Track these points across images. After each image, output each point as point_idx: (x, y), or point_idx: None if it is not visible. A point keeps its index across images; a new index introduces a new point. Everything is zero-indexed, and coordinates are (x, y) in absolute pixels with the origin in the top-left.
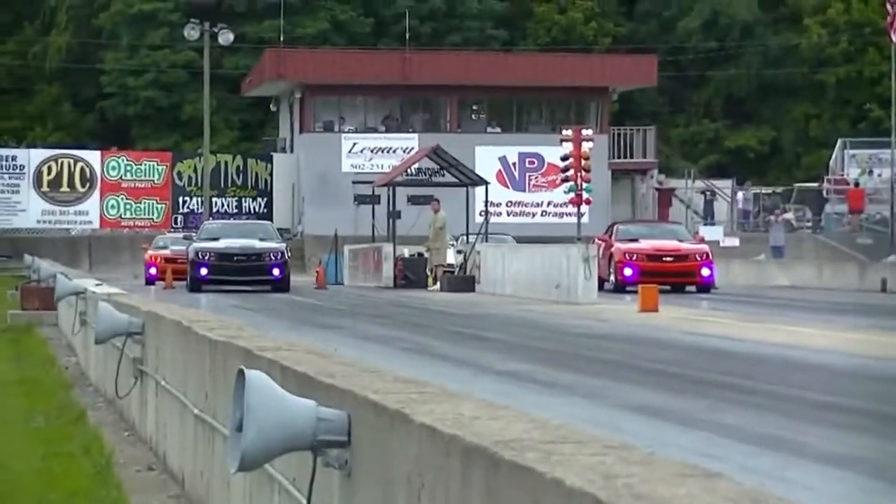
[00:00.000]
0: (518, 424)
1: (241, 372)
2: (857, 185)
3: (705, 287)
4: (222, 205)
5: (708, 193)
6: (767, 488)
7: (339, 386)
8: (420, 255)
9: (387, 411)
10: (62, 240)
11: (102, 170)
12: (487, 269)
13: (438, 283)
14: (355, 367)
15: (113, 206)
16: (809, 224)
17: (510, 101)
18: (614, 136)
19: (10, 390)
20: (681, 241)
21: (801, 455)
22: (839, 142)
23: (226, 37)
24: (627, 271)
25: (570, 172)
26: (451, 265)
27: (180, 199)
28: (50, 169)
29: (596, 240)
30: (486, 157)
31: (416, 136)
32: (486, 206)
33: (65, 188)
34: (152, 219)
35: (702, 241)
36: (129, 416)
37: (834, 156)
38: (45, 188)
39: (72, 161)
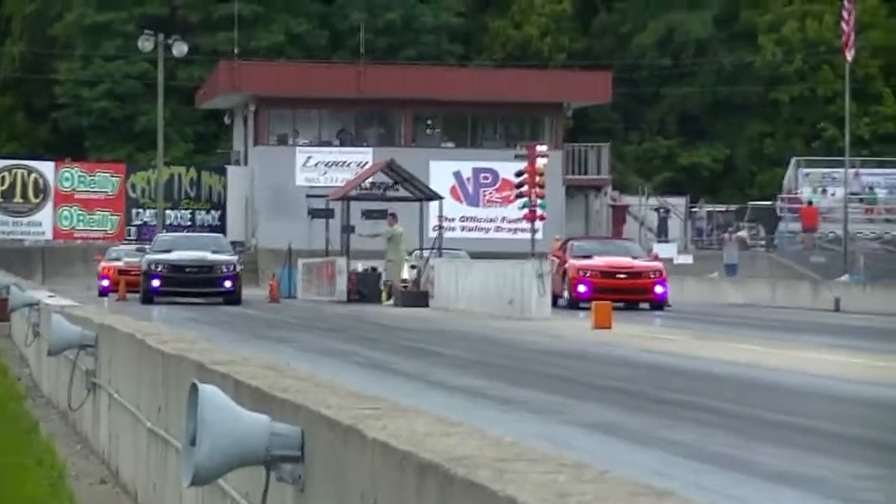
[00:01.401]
0: (471, 441)
1: (194, 386)
2: (810, 203)
3: (659, 304)
4: (176, 217)
5: (662, 210)
6: None
7: (292, 401)
8: (374, 269)
9: (340, 427)
10: (15, 251)
11: (56, 181)
12: (441, 285)
13: (392, 298)
14: (309, 381)
15: (66, 218)
16: (763, 242)
17: (465, 116)
18: (568, 152)
19: None
20: (634, 257)
21: (752, 474)
22: (793, 160)
23: (180, 48)
24: (581, 287)
25: (525, 188)
26: (405, 280)
27: (134, 211)
28: (3, 179)
29: (550, 256)
30: (441, 171)
31: (370, 150)
32: (440, 220)
33: (18, 199)
34: (106, 230)
35: (656, 258)
36: (82, 429)
37: (787, 174)
38: None
39: (25, 172)
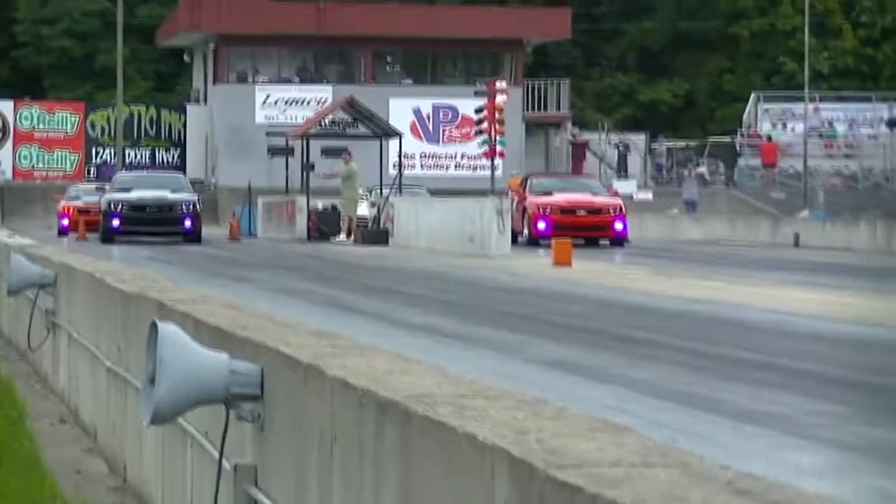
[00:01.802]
0: (430, 378)
1: (153, 324)
2: (769, 139)
3: (619, 241)
4: (135, 156)
5: (622, 147)
6: (677, 443)
7: (252, 339)
8: (334, 207)
9: (300, 365)
10: None
11: (15, 120)
12: (401, 222)
13: (345, 235)
14: (269, 320)
15: (26, 157)
16: (723, 178)
17: (425, 53)
18: (528, 88)
19: None
20: (594, 194)
21: (714, 411)
22: (752, 95)
23: None
24: (541, 225)
25: (485, 125)
26: (363, 217)
27: (93, 150)
28: None
29: (508, 191)
30: (401, 109)
31: (330, 87)
32: (399, 158)
33: None
34: (65, 169)
35: (615, 194)
36: (42, 369)
37: (748, 110)
38: None
39: None
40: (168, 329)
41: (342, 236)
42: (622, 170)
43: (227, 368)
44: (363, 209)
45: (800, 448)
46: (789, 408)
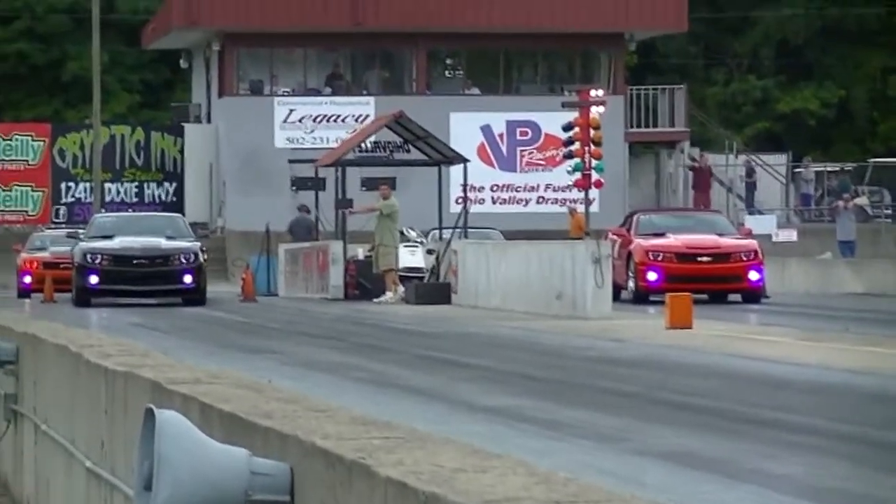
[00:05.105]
0: (514, 478)
1: (149, 412)
2: None
3: (753, 295)
4: (118, 192)
5: (745, 173)
6: None
7: (278, 430)
8: None
9: (342, 462)
10: None
11: None
12: (467, 274)
13: (388, 294)
14: (299, 404)
15: None
16: (889, 211)
17: (495, 53)
18: (632, 97)
19: None
20: (721, 235)
21: None
22: None
23: None
24: (651, 276)
25: (575, 146)
26: (416, 269)
27: (63, 186)
28: None
29: (610, 234)
30: (465, 126)
31: (371, 99)
32: (464, 190)
33: None
34: (27, 211)
35: (749, 234)
36: (1, 470)
37: None
38: None
39: None
40: (168, 418)
41: (388, 295)
42: (750, 202)
43: (247, 468)
44: (417, 258)
45: None
46: None
